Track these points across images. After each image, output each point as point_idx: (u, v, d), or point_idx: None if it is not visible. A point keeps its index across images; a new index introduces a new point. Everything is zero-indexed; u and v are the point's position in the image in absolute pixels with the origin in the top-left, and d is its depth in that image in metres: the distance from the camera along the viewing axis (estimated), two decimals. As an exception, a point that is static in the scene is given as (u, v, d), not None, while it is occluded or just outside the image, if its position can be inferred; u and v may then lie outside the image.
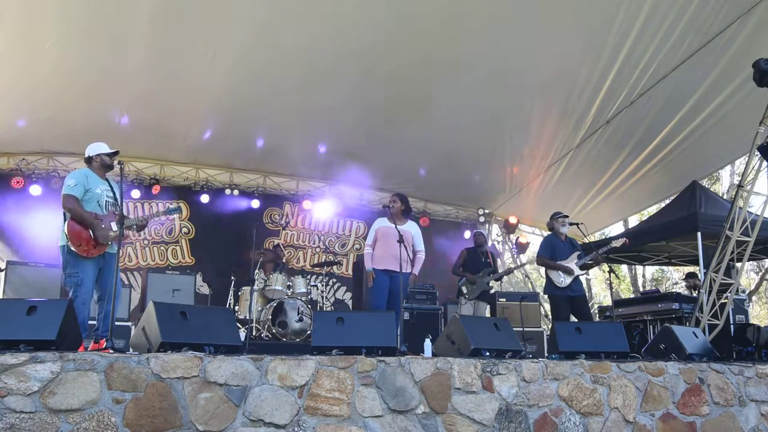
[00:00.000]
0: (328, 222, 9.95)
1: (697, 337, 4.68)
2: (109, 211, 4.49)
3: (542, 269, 6.76)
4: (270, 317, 6.98)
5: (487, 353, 3.68)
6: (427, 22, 5.74)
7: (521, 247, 10.54)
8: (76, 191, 4.40)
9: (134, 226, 4.66)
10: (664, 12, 5.69)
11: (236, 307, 7.47)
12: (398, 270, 5.20)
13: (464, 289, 7.19)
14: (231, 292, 7.68)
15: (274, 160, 8.97)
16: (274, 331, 6.93)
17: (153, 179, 8.67)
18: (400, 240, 5.14)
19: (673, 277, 19.83)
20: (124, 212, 4.40)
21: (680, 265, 10.35)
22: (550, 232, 6.52)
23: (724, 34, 5.95)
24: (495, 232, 11.30)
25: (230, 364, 2.91)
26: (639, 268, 19.11)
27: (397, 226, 5.39)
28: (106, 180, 4.62)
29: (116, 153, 4.63)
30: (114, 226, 4.39)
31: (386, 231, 5.60)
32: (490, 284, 7.33)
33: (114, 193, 4.60)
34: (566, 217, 6.37)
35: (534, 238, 11.06)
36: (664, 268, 18.82)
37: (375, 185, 9.59)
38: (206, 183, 9.08)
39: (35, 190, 8.03)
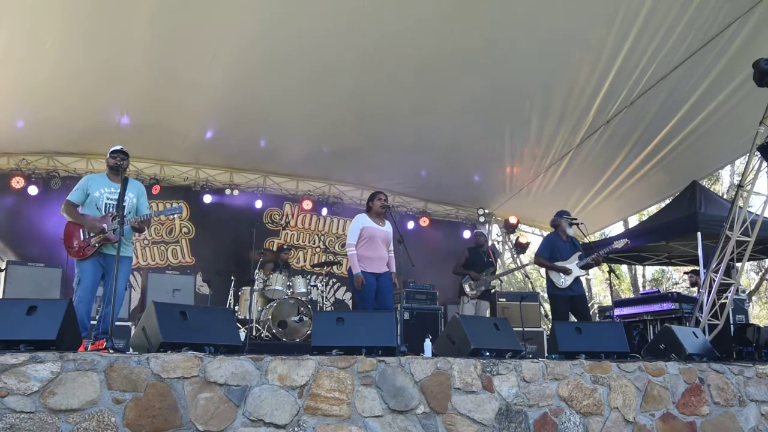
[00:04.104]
0: (328, 222, 9.95)
1: (697, 337, 4.68)
2: (108, 212, 4.49)
3: (543, 269, 6.76)
4: (270, 317, 6.98)
5: (487, 353, 3.68)
6: (427, 24, 5.73)
7: (521, 247, 10.54)
8: (73, 196, 4.53)
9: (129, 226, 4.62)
10: (663, 12, 5.69)
11: (236, 307, 7.48)
12: (382, 272, 5.36)
13: (467, 288, 7.21)
14: (231, 292, 7.68)
15: (274, 160, 8.97)
16: (274, 331, 6.93)
17: (153, 179, 8.68)
18: (401, 240, 5.23)
19: (674, 277, 19.83)
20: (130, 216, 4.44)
21: (680, 265, 10.35)
22: (551, 230, 6.49)
23: (724, 34, 5.95)
24: (495, 232, 11.30)
25: (230, 364, 2.91)
26: (639, 268, 19.12)
27: (383, 227, 5.44)
28: (121, 182, 4.38)
29: (117, 151, 4.62)
30: (105, 227, 4.39)
31: (373, 232, 5.37)
32: (492, 283, 7.35)
33: (123, 195, 4.33)
34: (575, 219, 6.34)
35: (534, 238, 11.06)
36: (664, 268, 18.82)
37: (375, 185, 9.59)
38: (206, 183, 9.08)
39: (35, 190, 8.03)
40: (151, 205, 8.54)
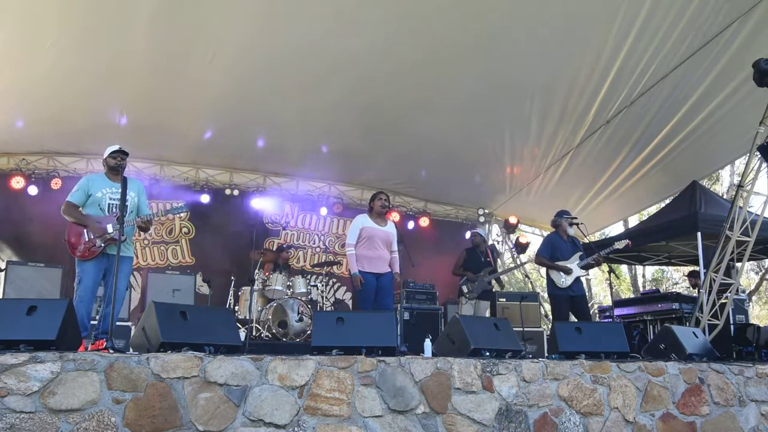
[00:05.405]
0: (328, 222, 9.96)
1: (697, 337, 4.68)
2: (111, 212, 4.49)
3: (543, 268, 6.76)
4: (270, 317, 6.97)
5: (487, 353, 3.68)
6: (427, 23, 5.73)
7: (521, 247, 10.54)
8: (74, 197, 4.51)
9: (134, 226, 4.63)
10: (663, 12, 5.68)
11: (236, 307, 7.48)
12: (383, 271, 5.40)
13: (465, 289, 7.21)
14: (231, 292, 7.68)
15: (274, 160, 8.97)
16: (274, 331, 6.93)
17: (153, 179, 8.68)
18: (401, 240, 5.24)
19: (673, 277, 19.83)
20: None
21: (680, 265, 10.36)
22: (552, 230, 6.49)
23: (724, 34, 5.95)
24: (495, 232, 11.30)
25: (230, 364, 2.91)
26: (639, 268, 19.11)
27: (383, 227, 5.45)
28: (120, 182, 4.29)
29: (117, 151, 4.62)
30: (110, 228, 4.40)
31: (373, 232, 5.43)
32: (491, 283, 7.34)
33: (125, 195, 4.25)
34: (575, 218, 6.33)
35: (534, 238, 11.07)
36: (664, 268, 18.82)
37: (375, 185, 9.58)
38: (206, 183, 9.08)
39: (35, 190, 8.03)
40: (154, 204, 8.58)
